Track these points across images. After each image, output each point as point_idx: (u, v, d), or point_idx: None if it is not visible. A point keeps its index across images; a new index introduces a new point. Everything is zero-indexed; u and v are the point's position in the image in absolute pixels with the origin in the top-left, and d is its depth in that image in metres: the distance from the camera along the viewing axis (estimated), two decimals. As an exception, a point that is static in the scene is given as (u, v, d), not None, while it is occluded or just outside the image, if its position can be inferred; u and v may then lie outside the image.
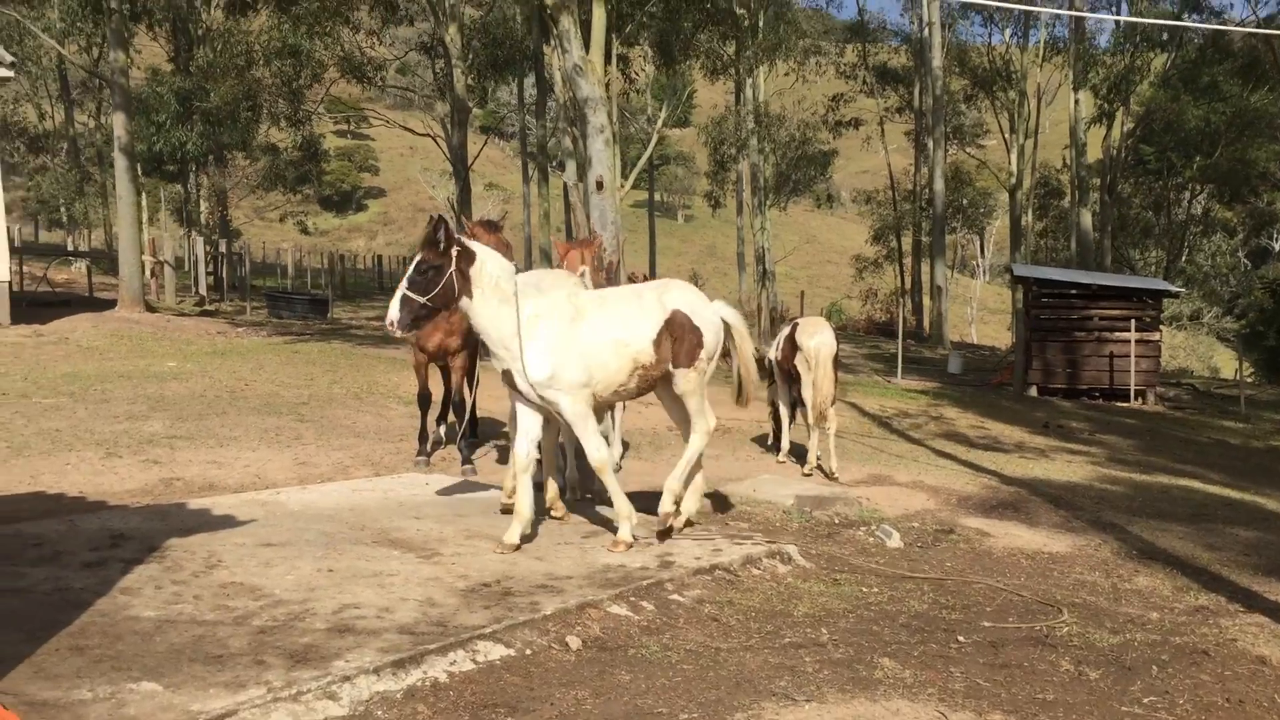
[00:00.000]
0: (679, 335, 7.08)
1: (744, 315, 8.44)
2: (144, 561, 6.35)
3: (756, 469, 11.32)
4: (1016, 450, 14.53)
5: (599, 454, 6.97)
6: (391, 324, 6.48)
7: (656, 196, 75.05)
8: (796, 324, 11.74)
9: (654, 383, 7.25)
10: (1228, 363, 56.53)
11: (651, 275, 38.43)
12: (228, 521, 7.34)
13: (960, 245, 73.20)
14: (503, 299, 6.65)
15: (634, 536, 7.07)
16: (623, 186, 17.10)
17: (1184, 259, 51.94)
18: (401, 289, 6.47)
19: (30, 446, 9.89)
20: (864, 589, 6.81)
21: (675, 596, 6.31)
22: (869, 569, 7.32)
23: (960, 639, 5.87)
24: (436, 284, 6.43)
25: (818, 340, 11.09)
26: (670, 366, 7.14)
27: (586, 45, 15.92)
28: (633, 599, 6.15)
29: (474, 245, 6.70)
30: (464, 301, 6.59)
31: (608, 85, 16.19)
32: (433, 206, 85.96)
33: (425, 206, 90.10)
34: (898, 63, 49.24)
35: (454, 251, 6.48)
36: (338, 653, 5.01)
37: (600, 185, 15.96)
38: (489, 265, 6.63)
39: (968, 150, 52.74)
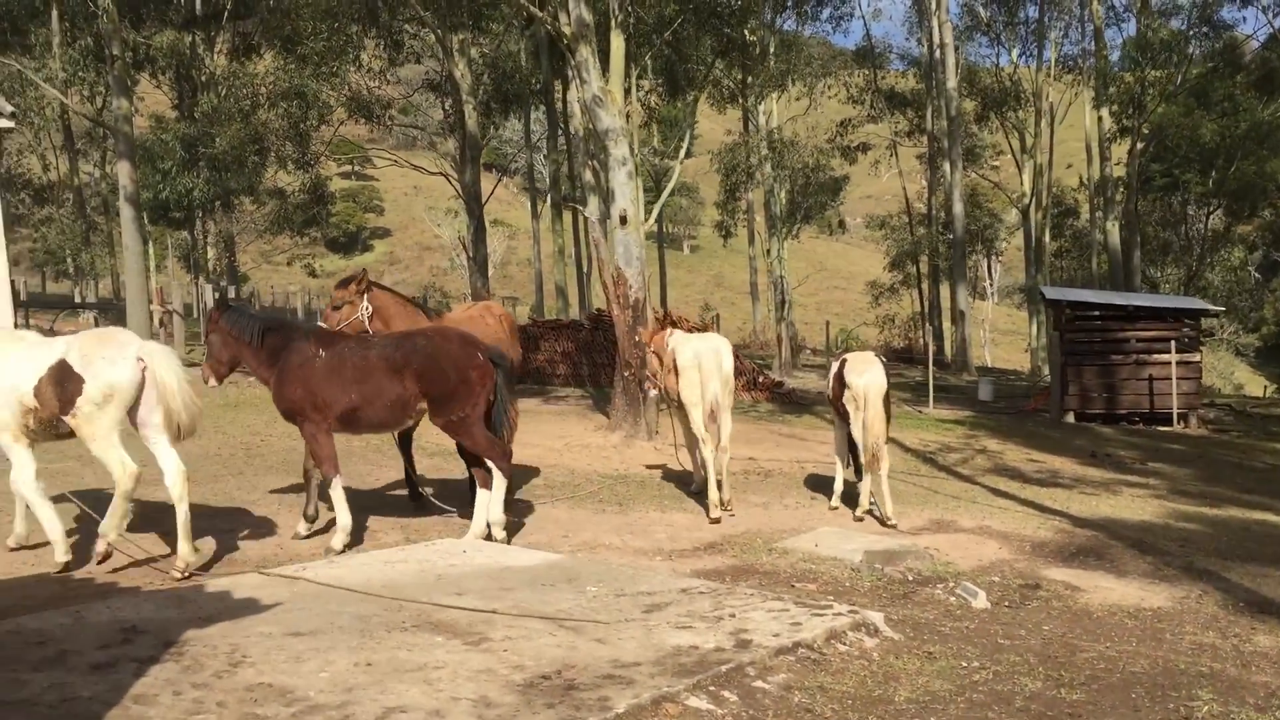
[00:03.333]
0: (59, 383, 7.50)
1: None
2: (160, 660, 5.64)
3: (809, 518, 10.61)
4: (1074, 485, 13.80)
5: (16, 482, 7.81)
6: None
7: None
8: (845, 360, 11.18)
9: (63, 427, 7.67)
10: (1249, 378, 55.74)
11: (663, 308, 37.89)
12: (251, 606, 6.63)
13: (970, 267, 72.64)
14: None
15: None
16: (647, 220, 16.45)
17: (1202, 276, 51.14)
18: None
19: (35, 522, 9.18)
20: (964, 663, 6.07)
21: (759, 683, 5.58)
22: (966, 637, 6.58)
23: (1092, 727, 5.15)
24: None
25: (867, 378, 10.58)
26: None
27: (606, 75, 15.34)
28: (712, 688, 5.42)
29: None
30: None
31: (628, 116, 15.58)
32: (438, 244, 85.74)
33: (431, 245, 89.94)
34: (905, 86, 48.73)
35: None
36: (387, 774, 4.31)
37: (624, 220, 15.31)
38: None
39: (979, 172, 52.13)
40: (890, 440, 17.46)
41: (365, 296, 10.10)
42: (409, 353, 8.46)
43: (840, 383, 10.95)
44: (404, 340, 8.73)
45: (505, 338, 10.62)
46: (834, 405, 11.35)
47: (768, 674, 5.70)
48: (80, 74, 33.89)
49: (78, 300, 42.24)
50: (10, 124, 19.72)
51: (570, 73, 19.31)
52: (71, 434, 7.73)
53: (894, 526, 10.24)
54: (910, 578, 8.18)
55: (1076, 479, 14.39)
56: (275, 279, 72.89)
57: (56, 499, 8.40)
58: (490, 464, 8.66)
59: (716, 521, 10.11)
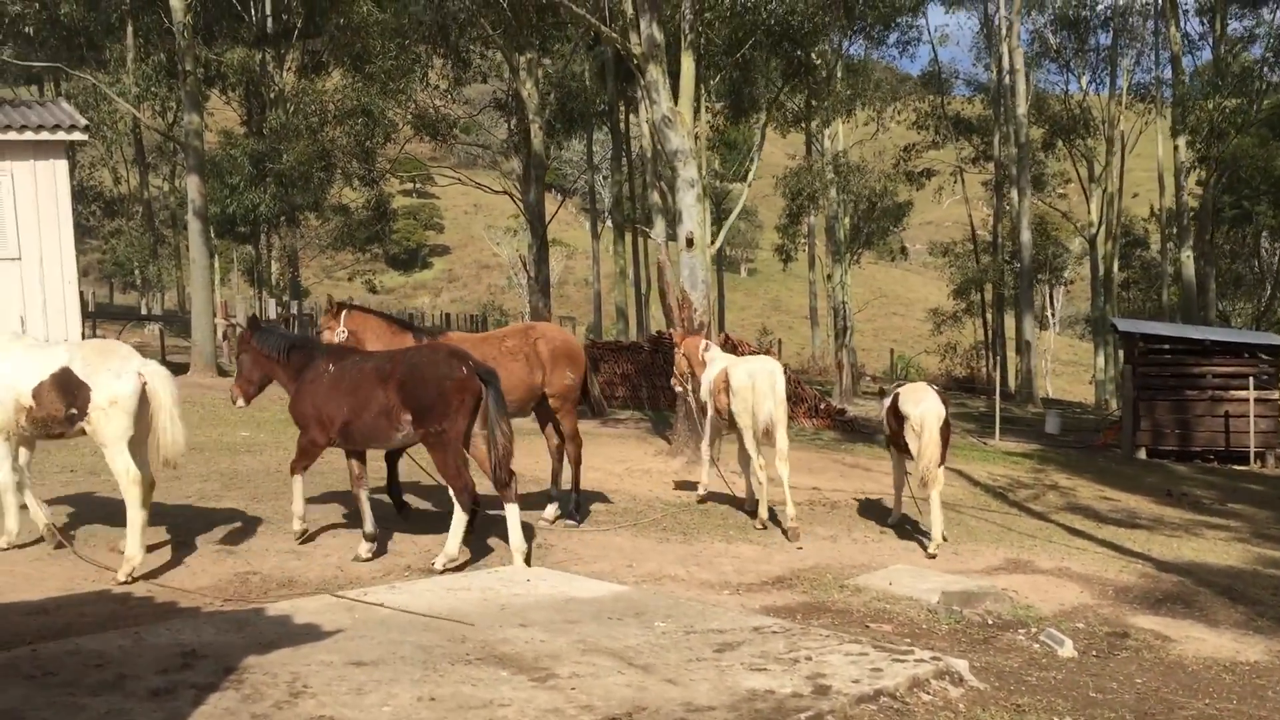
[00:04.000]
0: (65, 390, 7.92)
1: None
2: (219, 688, 5.47)
3: (880, 553, 10.29)
4: (1153, 526, 13.32)
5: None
6: None
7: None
8: (899, 393, 11.43)
9: (54, 427, 8.10)
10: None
11: (721, 331, 37.65)
12: (312, 632, 6.46)
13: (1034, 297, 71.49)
14: None
15: None
16: (712, 244, 16.24)
17: (1274, 311, 49.86)
18: None
19: (97, 535, 9.14)
20: (1055, 718, 5.74)
21: (840, 734, 5.30)
22: (1054, 689, 6.24)
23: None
24: None
25: (924, 406, 10.83)
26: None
27: (675, 96, 15.16)
28: (791, 739, 5.15)
29: None
30: None
31: (697, 138, 15.40)
32: (496, 263, 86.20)
33: (489, 263, 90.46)
34: (970, 113, 48.16)
35: None
36: (453, 822, 4.09)
37: (690, 242, 15.10)
38: None
39: (1045, 201, 51.33)
40: (958, 473, 17.13)
41: (341, 320, 10.36)
42: (396, 364, 8.57)
43: (896, 415, 11.18)
44: (397, 353, 8.95)
45: (523, 363, 10.35)
46: (892, 440, 11.60)
47: (848, 724, 5.41)
48: (153, 89, 34.44)
49: (144, 312, 42.86)
50: (84, 136, 20.07)
51: (639, 93, 19.18)
52: (61, 434, 8.27)
53: (936, 551, 10.32)
54: (990, 621, 7.85)
55: (1154, 519, 13.90)
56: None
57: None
58: (452, 494, 8.52)
59: (763, 528, 11.13)
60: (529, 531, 9.31)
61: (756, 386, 11.03)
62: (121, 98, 30.97)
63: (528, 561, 8.58)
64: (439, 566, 8.43)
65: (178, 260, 44.20)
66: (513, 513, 8.59)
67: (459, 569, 8.50)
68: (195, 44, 25.36)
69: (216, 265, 41.40)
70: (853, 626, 7.44)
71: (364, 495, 9.01)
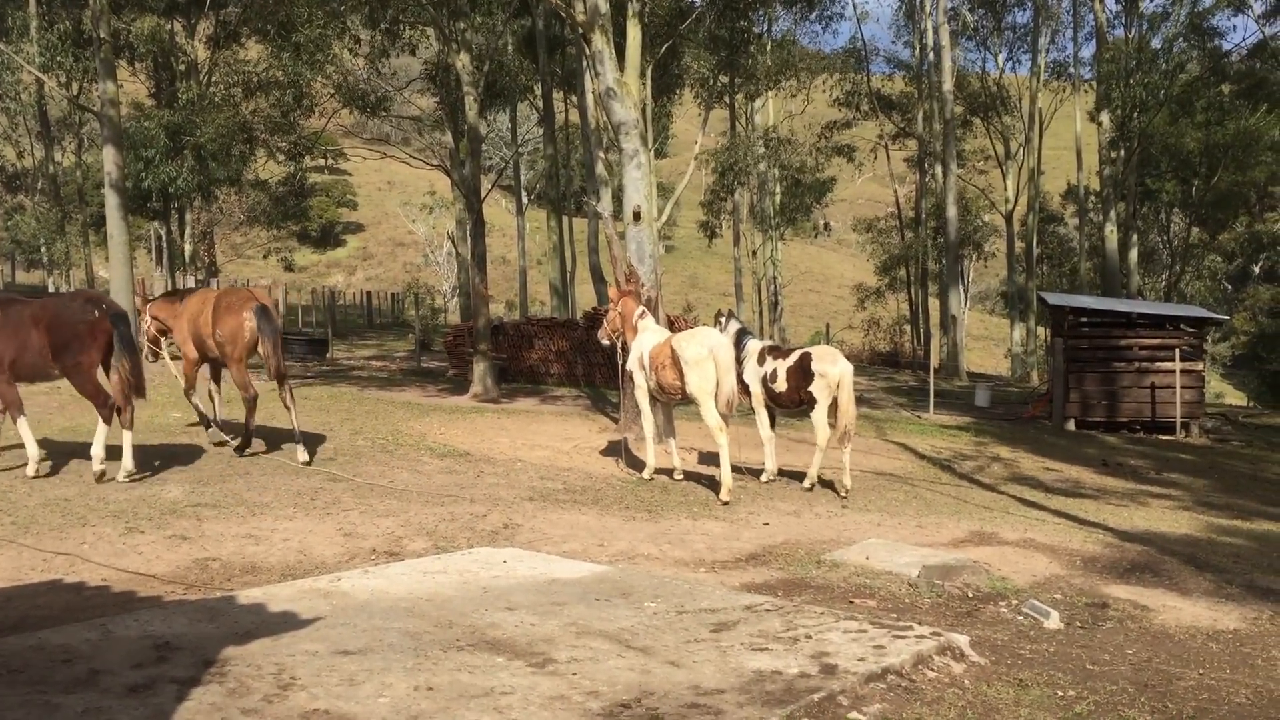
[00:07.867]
0: None
1: None
2: (201, 682, 5.16)
3: (846, 527, 10.23)
4: (1100, 495, 13.50)
5: None
6: None
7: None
8: (809, 353, 12.30)
9: None
10: (1223, 388, 55.87)
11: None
12: (289, 620, 6.16)
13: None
14: None
15: None
16: (659, 217, 16.02)
17: (1184, 283, 51.29)
18: None
19: (38, 521, 8.66)
20: (1059, 692, 5.67)
21: (854, 714, 5.16)
22: (1049, 661, 6.20)
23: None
24: None
25: (841, 367, 11.91)
26: None
27: (621, 67, 14.88)
28: (807, 720, 5.01)
29: None
30: None
31: (643, 109, 15.14)
32: (411, 240, 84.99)
33: (404, 241, 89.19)
34: (891, 90, 48.53)
35: None
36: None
37: (637, 216, 14.87)
38: None
39: (964, 178, 52.01)
40: (901, 446, 17.22)
41: (148, 308, 13.07)
42: (44, 309, 10.05)
43: (804, 373, 12.04)
44: (48, 300, 10.46)
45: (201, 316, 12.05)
46: (782, 395, 12.35)
47: (861, 704, 5.29)
48: (59, 59, 32.98)
49: (52, 291, 41.28)
50: (-5, 106, 19.13)
51: (584, 63, 18.84)
52: None
53: (847, 495, 11.87)
54: (969, 594, 7.81)
55: (1099, 489, 14.09)
56: (246, 272, 71.72)
57: None
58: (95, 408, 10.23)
59: (726, 504, 10.98)
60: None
61: (719, 359, 11.22)
62: (29, 65, 29.64)
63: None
64: (95, 469, 10.16)
65: (86, 237, 42.67)
66: (127, 439, 10.27)
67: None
68: (107, 11, 24.31)
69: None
70: (837, 602, 7.34)
71: (23, 421, 10.35)
